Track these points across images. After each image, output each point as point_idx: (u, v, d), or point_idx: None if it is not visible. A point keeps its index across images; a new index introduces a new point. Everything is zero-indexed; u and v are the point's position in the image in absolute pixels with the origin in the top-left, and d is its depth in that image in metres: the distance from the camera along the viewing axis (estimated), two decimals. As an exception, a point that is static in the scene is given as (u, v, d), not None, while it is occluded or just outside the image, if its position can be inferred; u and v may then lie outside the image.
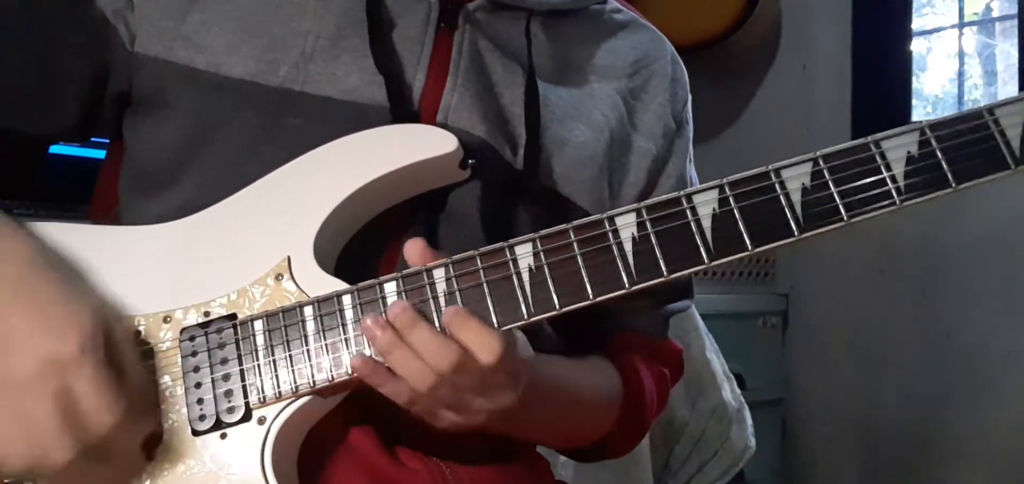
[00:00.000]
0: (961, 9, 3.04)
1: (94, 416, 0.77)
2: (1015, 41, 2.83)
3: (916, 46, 3.08)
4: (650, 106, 1.10)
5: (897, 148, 0.86)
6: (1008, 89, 2.92)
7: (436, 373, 0.82)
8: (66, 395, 0.76)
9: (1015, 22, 2.84)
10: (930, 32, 3.14)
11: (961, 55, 3.06)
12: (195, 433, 0.86)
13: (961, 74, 3.06)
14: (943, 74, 3.14)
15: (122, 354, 0.80)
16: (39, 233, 0.87)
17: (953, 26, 3.07)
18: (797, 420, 3.07)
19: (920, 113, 3.07)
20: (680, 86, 1.14)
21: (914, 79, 3.06)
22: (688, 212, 0.86)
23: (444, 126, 0.97)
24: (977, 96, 3.06)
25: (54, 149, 2.01)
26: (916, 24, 3.07)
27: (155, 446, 0.86)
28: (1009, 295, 2.65)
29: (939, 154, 0.85)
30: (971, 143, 0.86)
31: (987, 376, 2.68)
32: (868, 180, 0.85)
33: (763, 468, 2.78)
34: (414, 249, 0.87)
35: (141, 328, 0.88)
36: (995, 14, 3.04)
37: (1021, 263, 2.63)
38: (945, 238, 2.70)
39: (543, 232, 0.86)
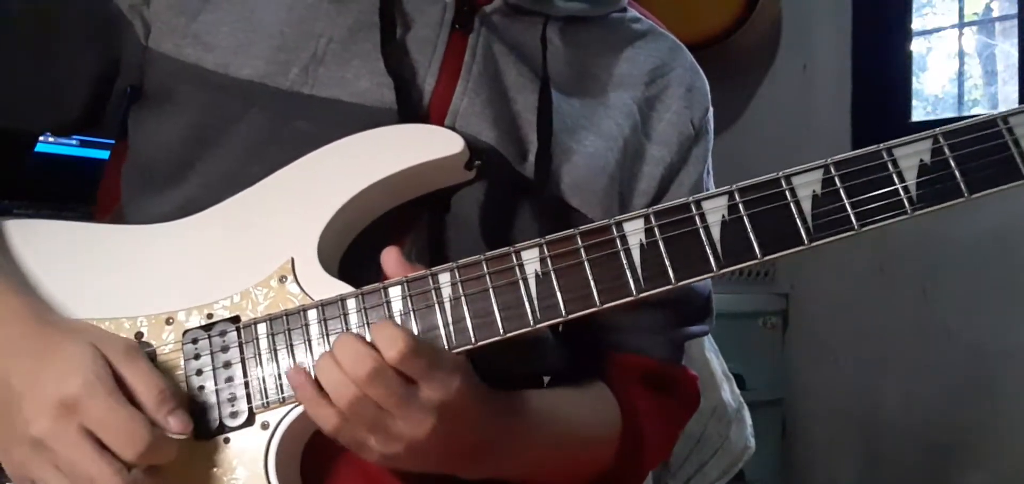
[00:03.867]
0: (961, 9, 3.04)
1: (124, 437, 0.78)
2: (1015, 41, 2.83)
3: (916, 46, 3.08)
4: (664, 115, 1.08)
5: (910, 156, 0.84)
6: (1008, 89, 2.92)
7: (354, 381, 0.80)
8: (90, 430, 0.78)
9: (1015, 22, 2.84)
10: (930, 32, 3.14)
11: (961, 55, 3.06)
12: (198, 437, 0.85)
13: (961, 74, 3.05)
14: (943, 74, 3.14)
15: (131, 370, 0.81)
16: (21, 282, 0.89)
17: (953, 26, 3.07)
18: (797, 420, 3.07)
19: (920, 113, 3.07)
20: (699, 95, 1.11)
21: (914, 79, 3.06)
22: (697, 219, 0.85)
23: (452, 129, 0.95)
24: (977, 96, 3.06)
25: (54, 149, 2.01)
26: (916, 24, 3.07)
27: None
28: (1010, 293, 2.65)
29: (952, 163, 0.84)
30: (984, 152, 0.84)
31: (988, 375, 2.68)
32: (880, 189, 0.84)
33: (763, 468, 2.78)
34: (389, 258, 0.86)
35: (143, 329, 0.88)
36: (995, 14, 3.04)
37: (1022, 261, 2.62)
38: (946, 236, 2.70)
39: (550, 237, 0.85)
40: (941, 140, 0.85)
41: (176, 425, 0.80)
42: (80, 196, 1.17)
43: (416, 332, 0.84)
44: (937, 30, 3.13)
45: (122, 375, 0.80)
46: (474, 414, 0.86)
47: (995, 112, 0.85)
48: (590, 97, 1.04)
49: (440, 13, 0.98)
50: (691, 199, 0.85)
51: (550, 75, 1.01)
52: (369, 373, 0.79)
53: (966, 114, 2.97)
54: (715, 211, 0.85)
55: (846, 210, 0.84)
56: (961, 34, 3.05)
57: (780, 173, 0.85)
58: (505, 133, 0.98)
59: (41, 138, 1.96)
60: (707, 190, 1.09)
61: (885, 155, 0.85)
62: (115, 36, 0.97)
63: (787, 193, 0.84)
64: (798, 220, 0.84)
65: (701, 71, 1.13)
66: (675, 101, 1.08)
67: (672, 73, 1.09)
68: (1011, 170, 0.84)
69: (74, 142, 2.06)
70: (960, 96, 3.04)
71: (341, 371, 0.80)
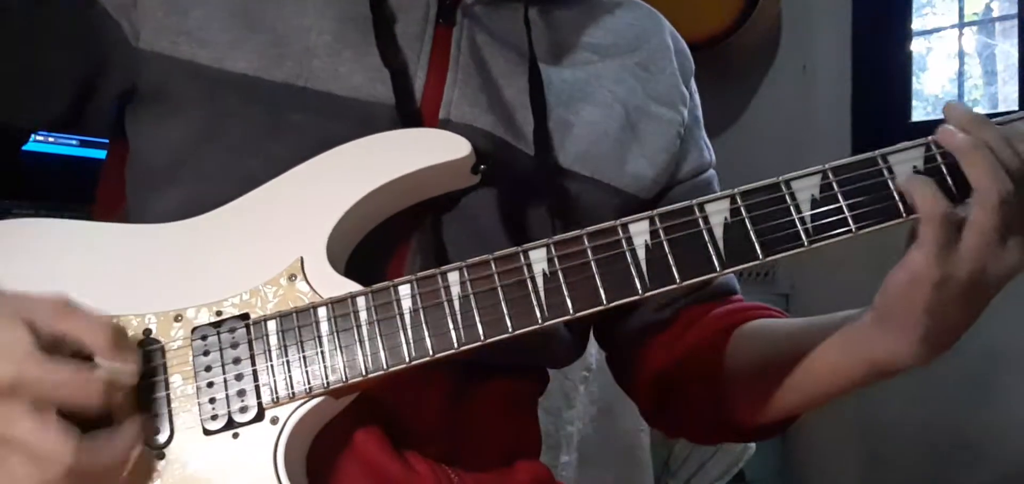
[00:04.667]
0: (961, 9, 3.05)
1: (79, 392, 0.75)
2: (1015, 41, 2.84)
3: (916, 46, 3.09)
4: (661, 77, 1.11)
5: (903, 162, 0.87)
6: (1008, 89, 2.93)
7: None
8: (42, 400, 0.74)
9: (1015, 22, 2.85)
10: (930, 32, 3.15)
11: (961, 55, 3.06)
12: (207, 433, 0.85)
13: (961, 74, 3.06)
14: (943, 74, 3.15)
15: (70, 324, 0.77)
16: None
17: (953, 26, 3.08)
18: (797, 420, 3.07)
19: (920, 113, 3.08)
20: (685, 56, 1.15)
21: (914, 79, 3.07)
22: (700, 221, 0.87)
23: (447, 121, 0.97)
24: (977, 96, 3.07)
25: (54, 149, 2.01)
26: (916, 24, 3.08)
27: (166, 445, 0.85)
28: (1010, 293, 2.64)
29: (944, 170, 0.87)
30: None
31: (988, 375, 2.69)
32: (875, 193, 0.87)
33: (763, 468, 2.79)
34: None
35: (152, 326, 0.88)
36: (995, 14, 3.05)
37: (1022, 262, 2.63)
38: (945, 237, 2.70)
39: (557, 238, 0.87)
40: (933, 148, 0.87)
41: (129, 367, 0.78)
42: (80, 196, 1.17)
43: (425, 330, 0.85)
44: (937, 30, 3.14)
45: (61, 333, 0.76)
46: None
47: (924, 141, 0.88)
48: (579, 69, 1.06)
49: (424, 8, 1.00)
50: (694, 202, 0.87)
51: (537, 54, 1.02)
52: None
53: (966, 114, 2.97)
54: (718, 213, 0.87)
55: (844, 213, 0.86)
56: (961, 34, 3.06)
57: (780, 178, 0.87)
58: (500, 119, 0.99)
59: (40, 137, 1.97)
60: (704, 143, 1.15)
61: (880, 161, 0.87)
62: (100, 37, 0.97)
63: (787, 196, 0.87)
64: (798, 223, 0.86)
65: (678, 34, 1.17)
66: (668, 63, 1.12)
67: (655, 37, 1.13)
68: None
69: (74, 142, 2.06)
70: (960, 96, 3.05)
71: None
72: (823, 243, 0.86)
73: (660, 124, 1.09)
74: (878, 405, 2.91)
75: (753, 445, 2.32)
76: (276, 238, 0.90)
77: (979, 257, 0.83)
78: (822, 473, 3.04)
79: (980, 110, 2.96)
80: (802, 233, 0.86)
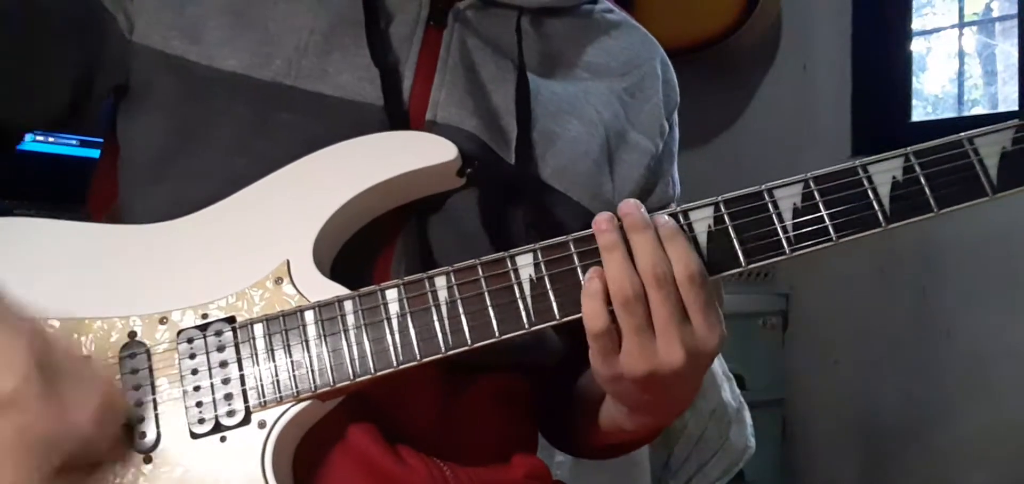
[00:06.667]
0: (961, 9, 3.04)
1: (58, 435, 0.73)
2: (1015, 41, 2.83)
3: (916, 46, 3.08)
4: (645, 106, 1.11)
5: (883, 172, 0.89)
6: (1008, 89, 2.92)
7: None
8: (24, 428, 0.72)
9: (1015, 22, 2.85)
10: (930, 32, 3.14)
11: (961, 55, 3.06)
12: (194, 436, 0.85)
13: (961, 74, 3.06)
14: (943, 74, 3.14)
15: (62, 366, 0.76)
16: None
17: (953, 26, 3.07)
18: (797, 420, 3.07)
19: (920, 113, 3.07)
20: (671, 88, 1.15)
21: (914, 79, 3.06)
22: (685, 228, 0.87)
23: (433, 123, 0.97)
24: (977, 96, 3.06)
25: (54, 149, 2.01)
26: (916, 24, 3.07)
27: (153, 448, 0.85)
28: (1009, 294, 2.65)
29: (923, 180, 0.88)
30: (952, 171, 0.89)
31: (987, 375, 2.68)
32: (855, 203, 0.88)
33: (763, 468, 2.78)
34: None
35: (137, 328, 0.87)
36: (995, 14, 3.04)
37: (1021, 262, 2.62)
38: (945, 237, 2.70)
39: (543, 243, 0.87)
40: (912, 158, 0.89)
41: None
42: (81, 196, 1.17)
43: (412, 334, 0.85)
44: (937, 30, 3.13)
45: (55, 368, 0.75)
46: None
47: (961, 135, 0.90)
48: (569, 83, 1.06)
49: (416, 10, 1.00)
50: (678, 209, 0.88)
51: (527, 64, 1.02)
52: None
53: (966, 114, 2.97)
54: (701, 221, 0.88)
55: (825, 222, 0.88)
56: (961, 34, 3.05)
57: (763, 186, 0.89)
58: (485, 124, 0.99)
59: (40, 137, 1.97)
60: (673, 181, 1.15)
61: (860, 171, 0.89)
62: (97, 31, 0.97)
63: (769, 205, 0.88)
64: (780, 231, 0.88)
65: (670, 65, 1.16)
66: (654, 93, 1.12)
67: (646, 64, 1.12)
68: (976, 187, 0.89)
69: (74, 142, 2.06)
70: (960, 96, 3.05)
71: None
72: (804, 252, 0.88)
73: (635, 152, 1.09)
74: (878, 406, 2.90)
75: (753, 444, 2.31)
76: (262, 240, 0.89)
77: (631, 357, 0.84)
78: (822, 473, 3.04)
79: (980, 110, 2.95)
80: (784, 241, 0.88)
